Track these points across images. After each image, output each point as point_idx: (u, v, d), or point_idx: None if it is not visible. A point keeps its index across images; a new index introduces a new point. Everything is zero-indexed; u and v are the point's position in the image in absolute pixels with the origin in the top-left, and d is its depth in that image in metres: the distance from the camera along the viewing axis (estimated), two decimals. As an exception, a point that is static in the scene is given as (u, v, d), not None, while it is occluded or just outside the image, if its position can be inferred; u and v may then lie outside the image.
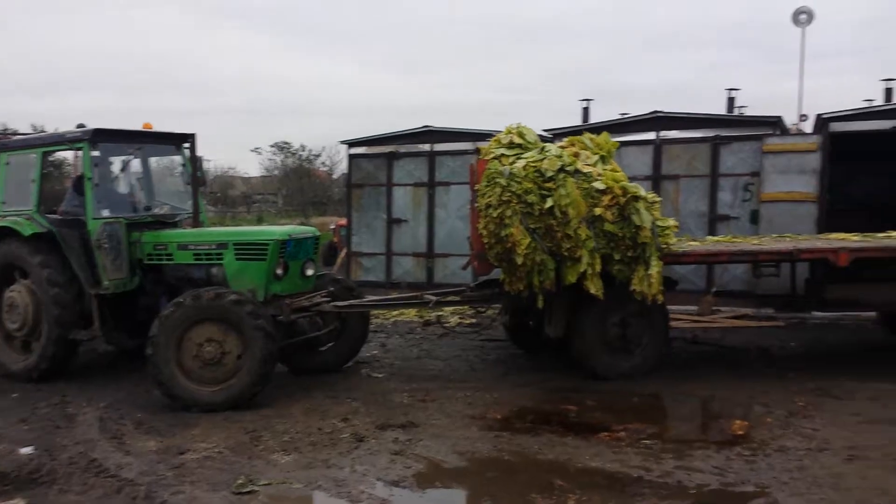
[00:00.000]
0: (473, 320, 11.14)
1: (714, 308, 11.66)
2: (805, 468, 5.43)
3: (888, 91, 14.93)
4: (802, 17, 17.94)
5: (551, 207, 7.36)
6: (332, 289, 8.58)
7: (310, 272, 8.20)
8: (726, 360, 9.11)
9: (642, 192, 7.66)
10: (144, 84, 73.00)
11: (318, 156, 42.31)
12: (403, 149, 14.73)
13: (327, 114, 72.58)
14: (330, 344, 8.71)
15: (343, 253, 17.08)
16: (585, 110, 17.00)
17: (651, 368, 8.19)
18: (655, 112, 12.82)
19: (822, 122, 11.50)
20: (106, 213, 8.14)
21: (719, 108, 17.30)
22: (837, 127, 11.20)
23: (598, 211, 7.42)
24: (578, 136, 8.23)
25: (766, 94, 46.88)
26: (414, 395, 7.70)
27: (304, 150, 42.00)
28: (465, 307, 10.41)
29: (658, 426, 6.65)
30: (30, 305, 8.28)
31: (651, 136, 12.47)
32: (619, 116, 14.07)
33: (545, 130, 11.50)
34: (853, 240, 8.76)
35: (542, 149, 7.79)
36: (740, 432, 6.28)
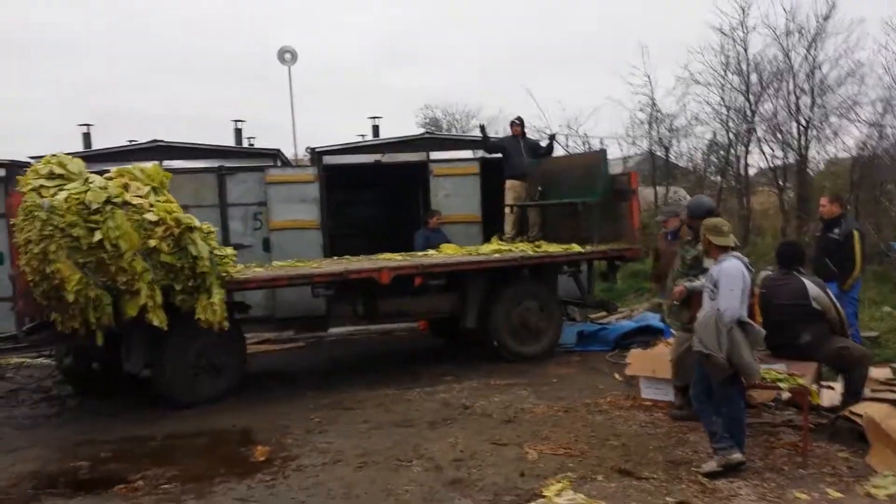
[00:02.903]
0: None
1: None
2: (321, 483, 5.68)
3: (375, 128, 16.98)
4: (287, 56, 19.16)
5: (101, 240, 7.03)
6: None
7: None
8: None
9: (196, 223, 7.71)
10: None
11: None
12: None
13: None
14: None
15: None
16: (86, 136, 15.79)
17: (234, 388, 8.54)
18: (155, 141, 12.48)
19: (316, 155, 12.46)
20: None
21: (228, 139, 17.66)
22: (330, 160, 12.26)
23: (152, 243, 7.35)
24: (128, 168, 8.02)
25: (275, 126, 49.30)
26: None
27: None
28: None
29: (178, 467, 6.25)
30: None
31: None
32: (127, 143, 13.38)
33: (32, 158, 10.27)
34: (398, 259, 9.76)
35: (86, 180, 7.38)
36: (262, 458, 6.34)
